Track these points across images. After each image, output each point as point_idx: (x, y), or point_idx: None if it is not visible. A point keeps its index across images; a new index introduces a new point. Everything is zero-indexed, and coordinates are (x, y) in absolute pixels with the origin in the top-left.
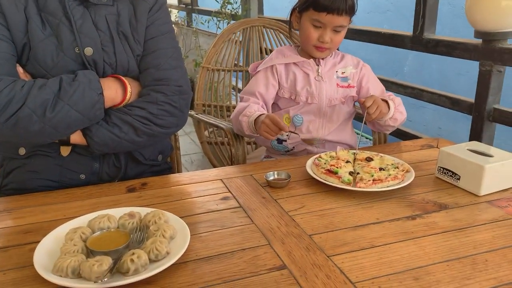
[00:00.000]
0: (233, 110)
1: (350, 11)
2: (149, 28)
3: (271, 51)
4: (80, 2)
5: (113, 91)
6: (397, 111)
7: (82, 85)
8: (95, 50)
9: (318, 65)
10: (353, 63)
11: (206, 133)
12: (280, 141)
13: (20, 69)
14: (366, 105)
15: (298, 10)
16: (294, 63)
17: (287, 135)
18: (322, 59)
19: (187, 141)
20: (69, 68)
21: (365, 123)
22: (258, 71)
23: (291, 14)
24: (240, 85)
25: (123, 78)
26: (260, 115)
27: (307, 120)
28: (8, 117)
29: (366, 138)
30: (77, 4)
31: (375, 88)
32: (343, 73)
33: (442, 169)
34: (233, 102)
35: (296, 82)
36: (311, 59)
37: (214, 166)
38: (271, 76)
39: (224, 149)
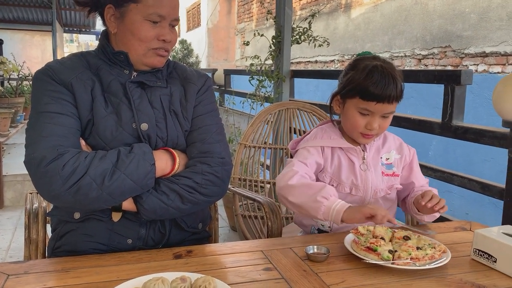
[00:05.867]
0: (266, 186)
1: (400, 96)
2: (197, 107)
3: (300, 131)
4: (138, 85)
5: (163, 162)
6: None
7: (137, 156)
8: (150, 125)
9: (364, 151)
10: (395, 145)
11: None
12: (320, 231)
13: (82, 142)
14: (432, 201)
15: (341, 96)
16: (340, 147)
17: (329, 227)
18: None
19: None
20: (126, 141)
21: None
22: (305, 147)
23: (331, 99)
24: (267, 162)
25: (173, 151)
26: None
27: None
28: (71, 184)
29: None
30: (135, 86)
31: (420, 182)
32: (387, 159)
33: (478, 251)
34: (261, 177)
35: (340, 169)
36: (358, 146)
37: (247, 239)
38: (321, 156)
39: (257, 222)
